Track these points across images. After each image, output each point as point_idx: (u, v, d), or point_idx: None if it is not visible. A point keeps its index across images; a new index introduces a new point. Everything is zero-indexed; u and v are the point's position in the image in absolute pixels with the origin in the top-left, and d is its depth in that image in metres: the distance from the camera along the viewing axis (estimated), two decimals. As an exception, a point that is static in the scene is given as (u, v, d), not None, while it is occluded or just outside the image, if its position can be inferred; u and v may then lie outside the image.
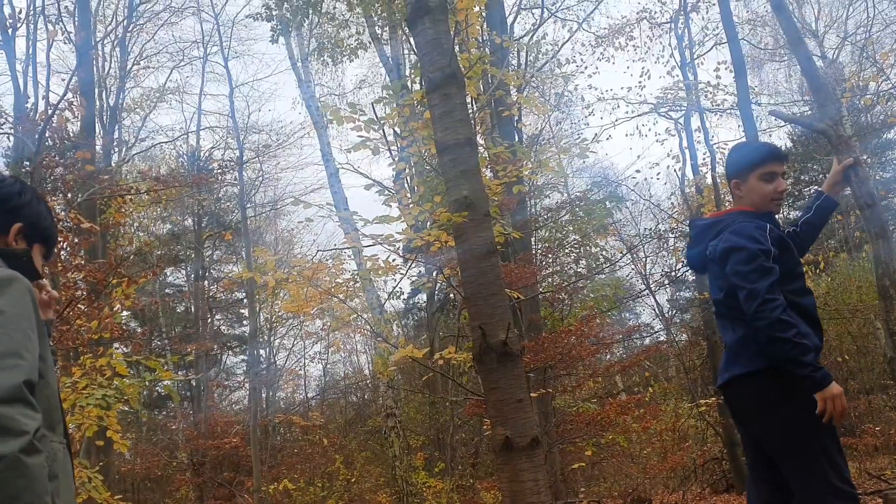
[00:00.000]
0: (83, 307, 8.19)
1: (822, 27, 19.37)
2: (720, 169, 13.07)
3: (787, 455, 2.73)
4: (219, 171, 15.74)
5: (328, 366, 24.16)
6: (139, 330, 17.36)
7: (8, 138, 12.70)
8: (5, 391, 1.48)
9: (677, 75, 14.63)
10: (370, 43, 15.02)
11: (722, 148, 15.60)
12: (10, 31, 9.97)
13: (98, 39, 14.28)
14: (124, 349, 11.79)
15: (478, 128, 11.16)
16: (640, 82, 26.72)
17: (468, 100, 6.84)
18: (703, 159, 14.20)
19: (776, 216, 3.00)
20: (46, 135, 10.06)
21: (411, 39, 6.45)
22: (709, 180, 13.25)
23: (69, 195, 9.95)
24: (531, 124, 18.00)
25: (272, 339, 21.18)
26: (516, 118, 12.01)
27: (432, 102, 5.29)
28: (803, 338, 2.61)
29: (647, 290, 14.96)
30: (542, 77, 14.90)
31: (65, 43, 12.93)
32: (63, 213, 9.60)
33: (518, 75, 11.47)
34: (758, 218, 2.88)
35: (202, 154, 20.29)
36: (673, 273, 16.51)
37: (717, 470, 12.82)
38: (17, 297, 1.63)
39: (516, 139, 11.51)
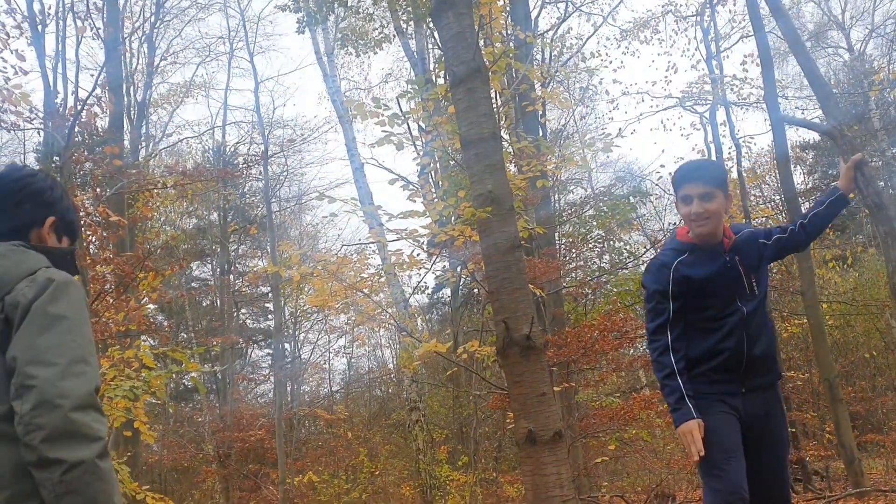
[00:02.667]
0: (111, 300, 8.31)
1: (848, 19, 19.11)
2: (746, 163, 12.97)
3: (786, 456, 3.09)
4: (244, 165, 15.86)
5: (352, 360, 24.32)
6: (166, 323, 17.55)
7: (38, 133, 12.90)
8: (81, 399, 1.54)
9: (703, 69, 14.52)
10: (394, 36, 15.04)
11: (748, 142, 15.46)
12: (40, 27, 10.10)
13: (126, 36, 14.44)
14: (151, 341, 11.94)
15: (502, 122, 11.15)
16: (666, 77, 26.48)
17: (492, 94, 6.84)
18: (729, 153, 14.10)
19: (708, 239, 3.00)
20: (75, 130, 10.19)
21: (435, 34, 6.46)
22: (734, 174, 13.13)
23: (98, 190, 10.09)
24: (555, 119, 17.95)
25: (297, 333, 21.35)
26: (540, 113, 11.98)
27: (456, 97, 5.29)
28: (673, 378, 2.89)
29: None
30: (566, 72, 14.83)
31: (93, 39, 13.10)
32: (92, 208, 9.74)
33: (542, 70, 11.44)
34: (677, 247, 3.06)
35: (228, 149, 20.47)
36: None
37: (742, 466, 12.71)
38: (77, 301, 1.67)
39: (540, 134, 11.48)
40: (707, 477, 2.89)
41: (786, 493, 3.03)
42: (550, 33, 14.24)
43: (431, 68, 13.98)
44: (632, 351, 13.30)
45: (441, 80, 9.47)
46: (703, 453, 2.79)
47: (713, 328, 2.96)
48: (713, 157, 13.99)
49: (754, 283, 3.03)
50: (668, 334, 2.95)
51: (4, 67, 8.37)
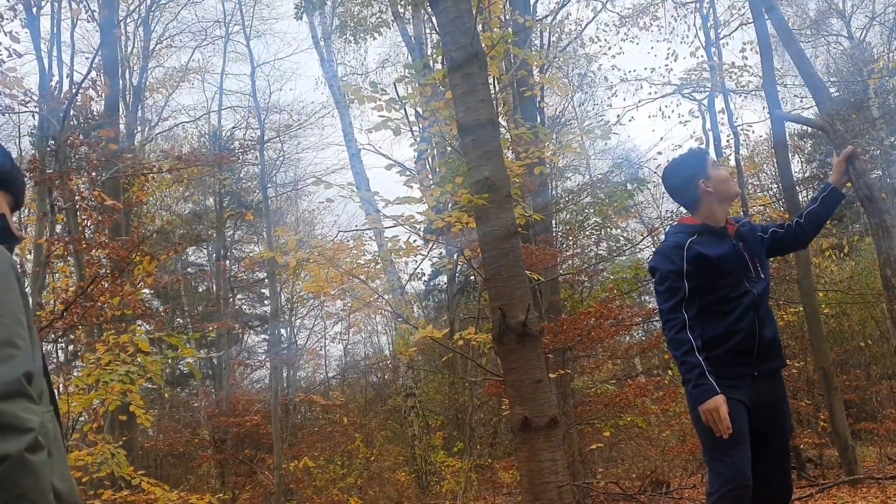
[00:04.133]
0: (106, 284, 8.28)
1: (849, 7, 19.03)
2: (744, 151, 12.94)
3: (788, 442, 3.16)
4: (240, 150, 15.80)
5: (349, 346, 24.34)
6: (161, 308, 17.53)
7: (33, 117, 12.82)
8: (6, 386, 1.39)
9: (702, 56, 14.46)
10: (392, 21, 14.96)
11: (746, 130, 15.43)
12: (34, 9, 10.02)
13: (121, 18, 14.32)
14: (147, 326, 11.92)
15: (500, 108, 11.11)
16: (666, 64, 26.35)
17: (490, 80, 6.80)
18: (727, 141, 14.07)
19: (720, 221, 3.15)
20: (71, 113, 10.14)
21: (433, 18, 6.41)
22: (732, 162, 13.11)
23: (93, 174, 10.04)
24: (553, 105, 17.89)
25: (293, 318, 21.34)
26: (538, 99, 11.93)
27: (454, 82, 5.26)
28: (693, 355, 2.90)
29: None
30: (564, 58, 14.78)
31: (88, 22, 12.99)
32: (87, 192, 9.69)
33: (541, 55, 11.38)
34: (686, 230, 3.13)
35: (224, 133, 20.39)
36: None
37: (737, 453, 12.75)
38: (0, 276, 1.51)
39: (538, 120, 11.44)
40: (713, 462, 2.92)
41: (787, 481, 3.06)
42: (549, 18, 14.15)
43: (429, 53, 13.91)
44: (627, 338, 13.32)
45: (439, 66, 9.42)
46: (731, 430, 2.81)
47: (726, 310, 2.99)
48: (711, 145, 13.98)
49: (759, 267, 3.11)
50: (685, 313, 2.98)
51: (-1, 50, 8.30)
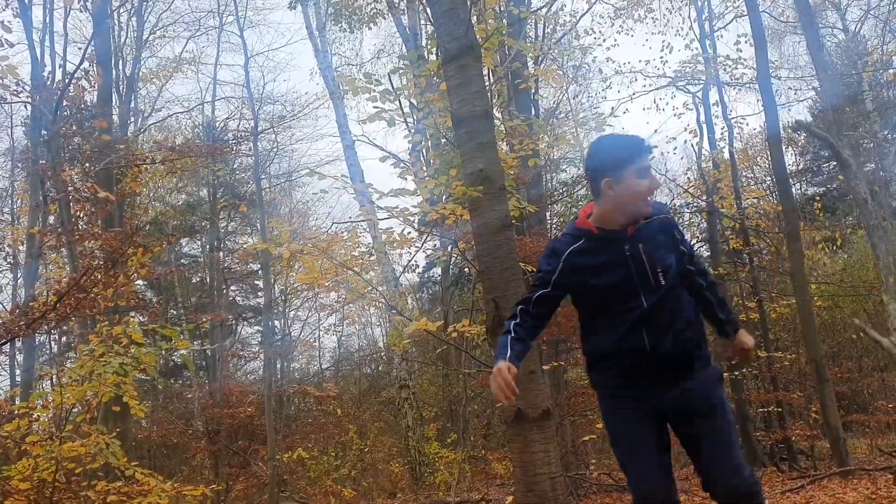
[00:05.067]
0: (100, 275, 8.25)
1: (844, -1, 19.03)
2: (738, 144, 12.95)
3: (730, 421, 2.78)
4: (234, 141, 15.74)
5: (343, 338, 24.37)
6: (155, 299, 17.50)
7: (25, 107, 12.76)
8: None
9: (696, 48, 14.46)
10: (387, 11, 14.91)
11: (740, 122, 15.44)
12: (26, -1, 9.96)
13: (114, 8, 14.24)
14: (140, 318, 11.90)
15: (494, 100, 11.09)
16: (661, 57, 26.29)
17: (485, 71, 6.79)
18: (721, 134, 14.09)
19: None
20: (63, 104, 10.09)
21: (428, 9, 6.40)
22: (726, 155, 13.13)
23: (86, 165, 10.00)
24: (548, 97, 17.88)
25: (287, 310, 21.35)
26: (533, 91, 11.91)
27: (448, 73, 5.26)
28: (505, 335, 2.66)
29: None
30: (559, 49, 14.75)
31: (81, 11, 12.94)
32: (80, 183, 9.66)
33: (535, 47, 11.36)
34: (572, 232, 2.78)
35: (217, 124, 20.32)
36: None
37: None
38: None
39: (533, 112, 11.44)
40: (626, 477, 2.71)
41: (736, 459, 2.62)
42: (544, 10, 14.13)
43: (424, 44, 13.88)
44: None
45: (433, 57, 9.40)
46: (512, 398, 2.55)
47: (613, 324, 2.68)
48: (705, 138, 14.00)
49: (660, 274, 2.65)
50: (529, 307, 2.73)
51: (-10, 39, 8.25)
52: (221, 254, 20.64)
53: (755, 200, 14.89)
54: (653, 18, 16.07)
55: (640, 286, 2.64)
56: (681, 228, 2.85)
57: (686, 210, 14.29)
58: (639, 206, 2.63)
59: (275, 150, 19.99)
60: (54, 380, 9.60)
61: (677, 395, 2.64)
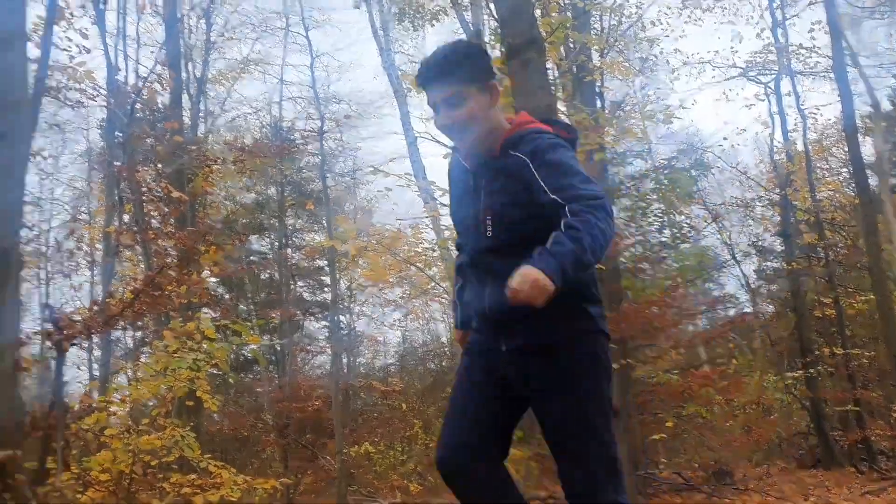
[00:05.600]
0: (173, 274, 8.48)
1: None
2: (812, 134, 12.55)
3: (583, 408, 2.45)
4: (301, 141, 15.98)
5: (407, 333, 24.49)
6: (227, 296, 17.90)
7: (101, 110, 13.18)
8: None
9: (768, 38, 14.05)
10: (450, 8, 14.90)
11: (814, 113, 14.98)
12: (102, 5, 10.28)
13: (184, 12, 14.60)
14: (213, 314, 12.19)
15: (559, 94, 10.98)
16: (731, 47, 25.64)
17: (549, 65, 6.72)
18: (794, 125, 13.67)
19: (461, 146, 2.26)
20: (137, 107, 10.39)
21: (491, 5, 6.37)
22: (800, 146, 12.74)
23: (159, 165, 10.29)
24: (614, 90, 17.61)
25: (352, 305, 21.57)
26: (598, 84, 11.76)
27: (512, 68, 5.22)
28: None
29: (732, 260, 14.58)
30: (625, 41, 14.52)
31: (153, 16, 13.29)
32: (153, 183, 9.94)
33: (601, 39, 11.21)
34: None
35: (285, 124, 20.64)
36: (759, 243, 15.99)
37: (804, 444, 12.46)
38: None
39: (598, 105, 11.28)
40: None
41: (585, 450, 2.27)
42: (609, 1, 13.92)
43: (487, 40, 13.82)
44: (691, 327, 13.09)
45: (497, 52, 9.35)
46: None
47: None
48: (778, 129, 13.60)
49: (488, 223, 2.14)
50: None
51: (69, 46, 8.56)
52: (289, 251, 20.99)
53: (831, 192, 14.42)
54: (721, 8, 15.66)
55: (473, 227, 2.21)
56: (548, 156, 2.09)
57: (758, 204, 13.93)
58: (453, 139, 2.23)
59: (340, 148, 20.22)
60: (130, 374, 9.92)
61: (525, 368, 2.31)
